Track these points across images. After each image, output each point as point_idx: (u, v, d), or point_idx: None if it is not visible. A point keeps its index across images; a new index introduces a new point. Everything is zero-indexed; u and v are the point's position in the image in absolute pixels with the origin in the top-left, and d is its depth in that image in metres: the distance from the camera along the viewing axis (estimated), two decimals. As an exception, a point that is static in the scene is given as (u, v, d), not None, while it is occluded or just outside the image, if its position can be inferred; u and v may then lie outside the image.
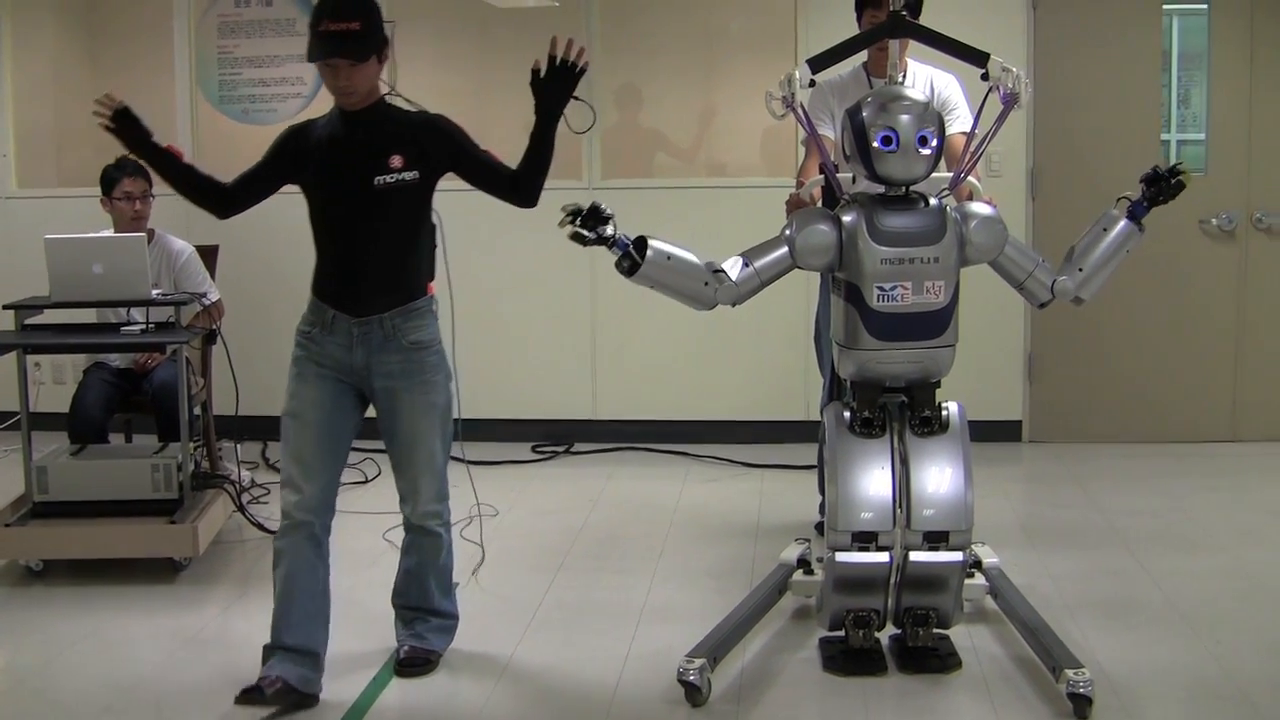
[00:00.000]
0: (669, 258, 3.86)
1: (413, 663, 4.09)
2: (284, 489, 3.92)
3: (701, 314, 4.19)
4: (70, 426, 5.51)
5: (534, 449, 7.06)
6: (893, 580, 3.91)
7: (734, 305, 3.98)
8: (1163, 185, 3.97)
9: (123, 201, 5.65)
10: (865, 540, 3.85)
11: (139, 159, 3.99)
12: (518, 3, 6.71)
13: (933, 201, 3.89)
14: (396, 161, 3.82)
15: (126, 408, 5.78)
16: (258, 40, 7.15)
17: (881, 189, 3.91)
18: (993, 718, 3.72)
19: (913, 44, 4.36)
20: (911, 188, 3.89)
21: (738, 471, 6.63)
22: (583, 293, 7.06)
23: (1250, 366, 6.93)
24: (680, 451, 6.97)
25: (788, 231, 3.93)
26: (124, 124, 3.84)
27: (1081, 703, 3.64)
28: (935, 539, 3.85)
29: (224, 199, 3.94)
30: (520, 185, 3.86)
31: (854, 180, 4.11)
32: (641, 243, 3.84)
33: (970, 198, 4.16)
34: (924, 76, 4.95)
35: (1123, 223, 4.00)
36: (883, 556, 3.86)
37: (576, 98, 3.79)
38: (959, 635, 4.15)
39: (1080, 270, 4.00)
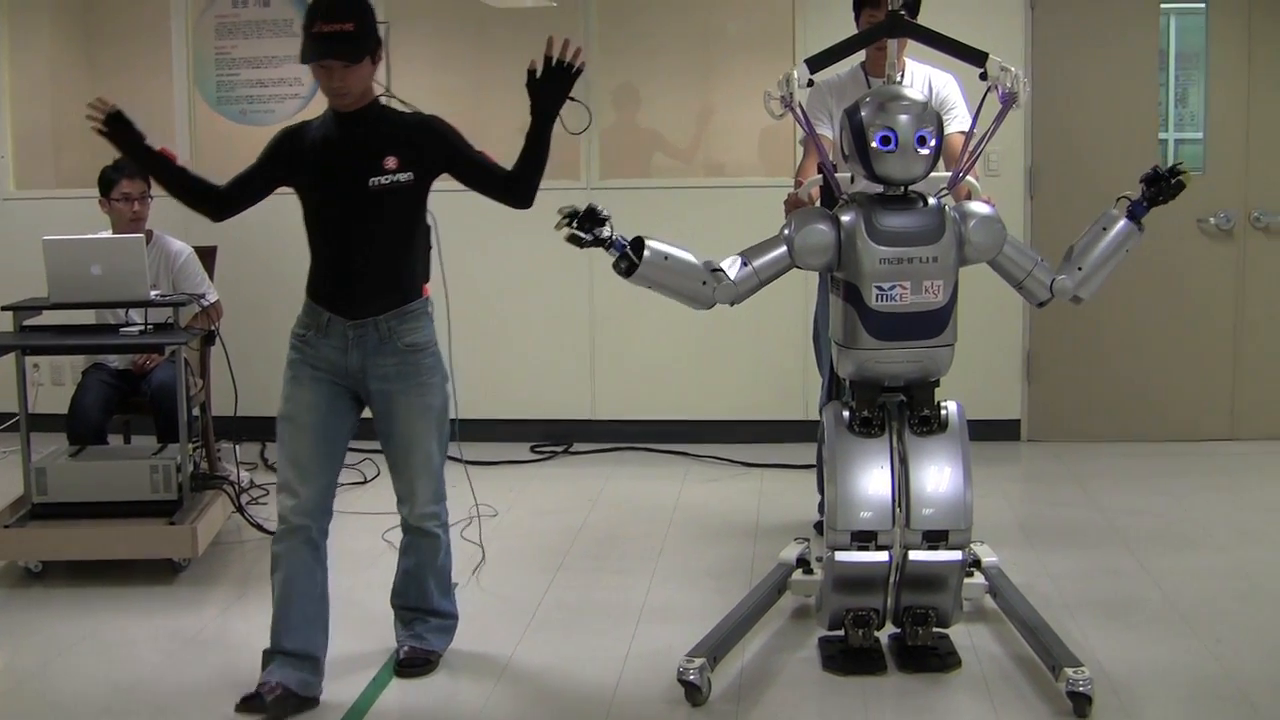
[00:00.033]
0: (666, 258, 3.86)
1: (412, 663, 4.09)
2: (280, 493, 3.90)
3: (700, 314, 4.19)
4: (69, 428, 5.51)
5: (533, 449, 7.06)
6: (892, 579, 3.91)
7: (732, 304, 3.98)
8: (1163, 185, 3.98)
9: (121, 203, 5.65)
10: (864, 539, 3.85)
11: (133, 162, 3.97)
12: (515, 3, 6.71)
13: (931, 201, 3.89)
14: (391, 163, 3.80)
15: (125, 409, 5.78)
16: (255, 41, 7.14)
17: (880, 189, 3.91)
18: (992, 717, 3.72)
19: (911, 43, 4.36)
20: (910, 187, 3.89)
21: (737, 471, 6.63)
22: (581, 293, 7.06)
23: (1249, 365, 6.93)
24: (679, 451, 6.97)
25: (786, 231, 3.93)
26: (117, 127, 3.82)
27: (1081, 701, 3.64)
28: (934, 538, 3.85)
29: (218, 202, 3.93)
30: (515, 186, 3.85)
31: (852, 180, 4.11)
32: (639, 243, 3.84)
33: (969, 197, 4.16)
34: (922, 76, 4.95)
35: (1122, 222, 4.00)
36: (882, 556, 3.86)
37: (573, 98, 3.78)
38: (958, 634, 4.15)
39: (1079, 269, 4.00)
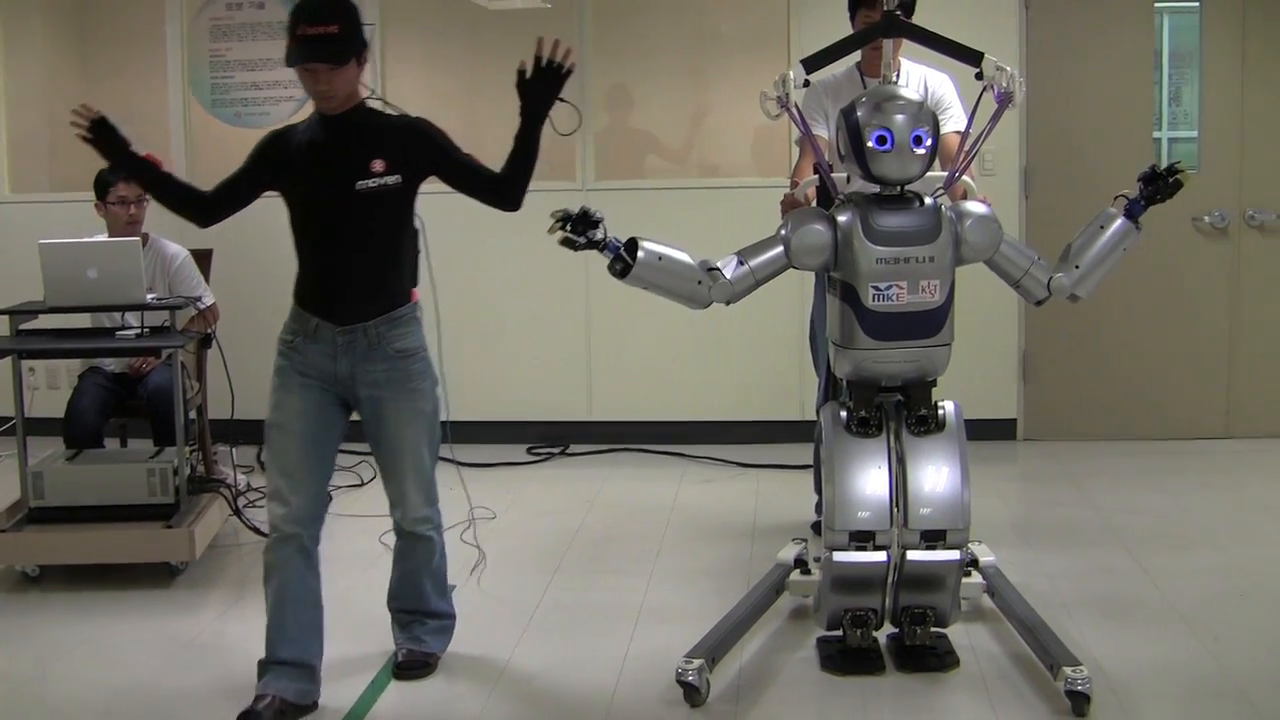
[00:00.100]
0: (660, 258, 3.86)
1: (411, 666, 4.09)
2: (271, 501, 3.88)
3: (696, 314, 4.20)
4: (65, 431, 5.50)
5: (529, 451, 7.06)
6: (890, 579, 3.91)
7: (728, 304, 3.98)
8: (1160, 184, 3.98)
9: (117, 206, 5.64)
10: (863, 540, 3.85)
11: (118, 169, 3.95)
12: (508, 4, 6.71)
13: (928, 201, 3.89)
14: (378, 166, 3.77)
15: (122, 412, 5.77)
16: (250, 44, 7.14)
17: (876, 189, 3.92)
18: (991, 716, 3.72)
19: (906, 43, 4.36)
20: (906, 187, 3.90)
21: (733, 472, 6.63)
22: (577, 294, 7.06)
23: (1244, 363, 6.94)
24: (676, 452, 6.97)
25: (783, 231, 3.93)
26: (102, 134, 3.80)
27: (1080, 700, 3.64)
28: (932, 538, 3.86)
29: (204, 207, 3.90)
30: (504, 188, 3.83)
31: (848, 180, 4.12)
32: (633, 244, 3.84)
33: (965, 197, 4.16)
34: (917, 76, 4.96)
35: (1120, 221, 4.01)
36: (880, 556, 3.86)
37: (562, 99, 3.76)
38: (956, 634, 4.15)
39: (1077, 267, 4.00)
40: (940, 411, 3.97)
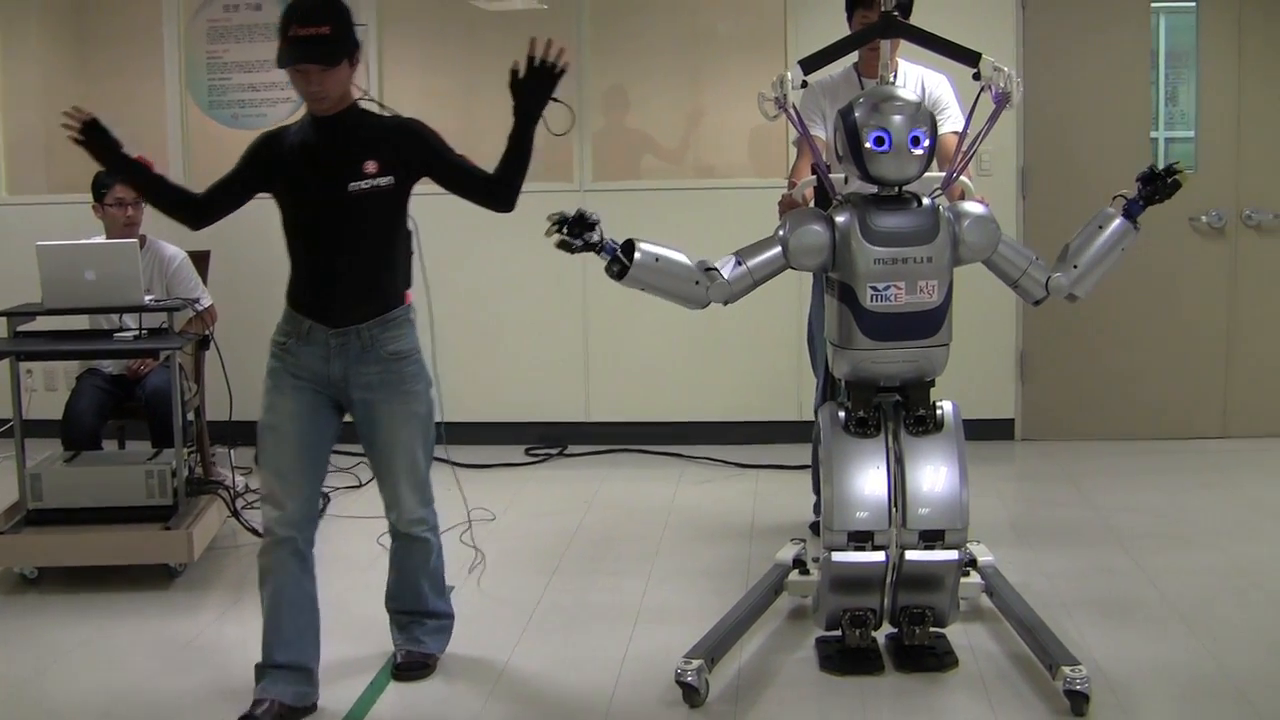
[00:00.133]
0: (657, 259, 3.87)
1: (410, 668, 4.09)
2: (264, 504, 3.86)
3: (693, 315, 4.20)
4: (63, 433, 5.49)
5: (527, 452, 7.06)
6: (889, 579, 3.91)
7: (726, 304, 3.99)
8: (1159, 184, 3.98)
9: (115, 208, 5.64)
10: (861, 540, 3.86)
11: (109, 170, 3.92)
12: (506, 5, 6.71)
13: (925, 201, 3.90)
14: (371, 167, 3.75)
15: (120, 414, 5.77)
16: (247, 45, 7.14)
17: (874, 189, 3.92)
18: (990, 716, 3.73)
19: (904, 44, 4.37)
20: (904, 188, 3.90)
21: (731, 472, 6.63)
22: (575, 295, 7.06)
23: (1241, 363, 6.95)
24: (674, 453, 6.97)
25: (781, 232, 3.94)
26: (93, 136, 3.78)
27: (1079, 700, 3.65)
28: (931, 538, 3.86)
29: (196, 209, 3.89)
30: (497, 189, 3.81)
31: (846, 181, 4.12)
32: (630, 246, 3.84)
33: (963, 197, 4.17)
34: (915, 76, 4.96)
35: (1118, 220, 4.01)
36: (879, 556, 3.87)
37: (555, 99, 3.73)
38: (955, 634, 4.16)
39: (1075, 267, 4.01)
40: (939, 411, 3.98)
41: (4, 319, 5.19)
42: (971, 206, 3.96)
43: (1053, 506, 5.89)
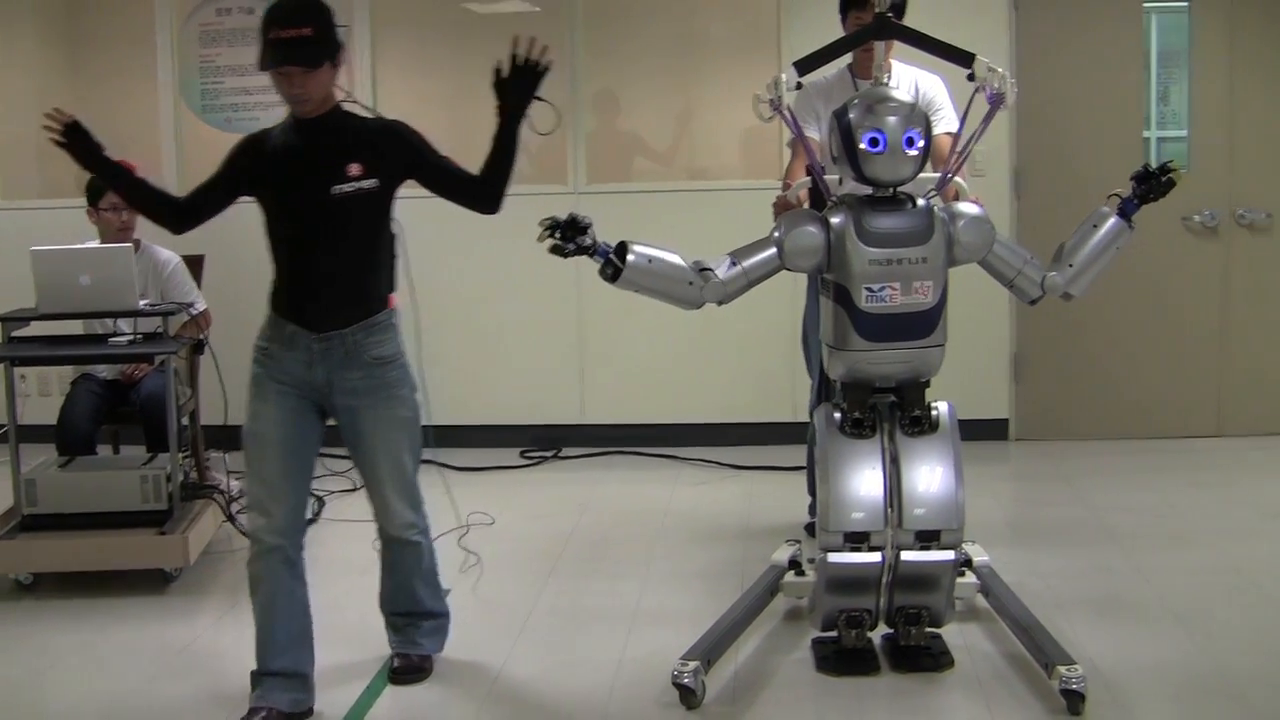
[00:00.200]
0: (651, 261, 3.87)
1: (406, 671, 4.09)
2: (251, 512, 3.84)
3: (687, 316, 4.21)
4: (58, 438, 5.49)
5: (522, 454, 7.05)
6: (885, 580, 3.91)
7: (720, 304, 3.99)
8: (1153, 183, 3.99)
9: (109, 212, 5.62)
10: (857, 540, 3.86)
11: (91, 174, 3.90)
12: (498, 8, 6.71)
13: (920, 202, 3.90)
14: (355, 169, 3.72)
15: (114, 419, 5.76)
16: (240, 49, 7.13)
17: (869, 190, 3.92)
18: (987, 715, 3.73)
19: (897, 45, 4.38)
20: (899, 189, 3.91)
21: (726, 474, 6.63)
22: (569, 296, 7.06)
23: (1234, 362, 6.96)
24: (669, 455, 6.97)
25: (776, 233, 3.94)
26: (75, 138, 3.75)
27: (1075, 699, 3.66)
28: (927, 538, 3.86)
29: (178, 213, 3.87)
30: (483, 191, 3.79)
31: (840, 182, 4.12)
32: (622, 248, 3.84)
33: (957, 198, 4.17)
34: (909, 77, 4.97)
35: (1113, 220, 4.02)
36: (874, 556, 3.87)
37: (540, 98, 3.72)
38: (951, 634, 4.16)
39: (1070, 266, 4.02)
40: (934, 412, 3.99)
41: (-1, 324, 5.18)
42: (966, 207, 3.97)
43: (1047, 506, 5.90)
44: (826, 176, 4.16)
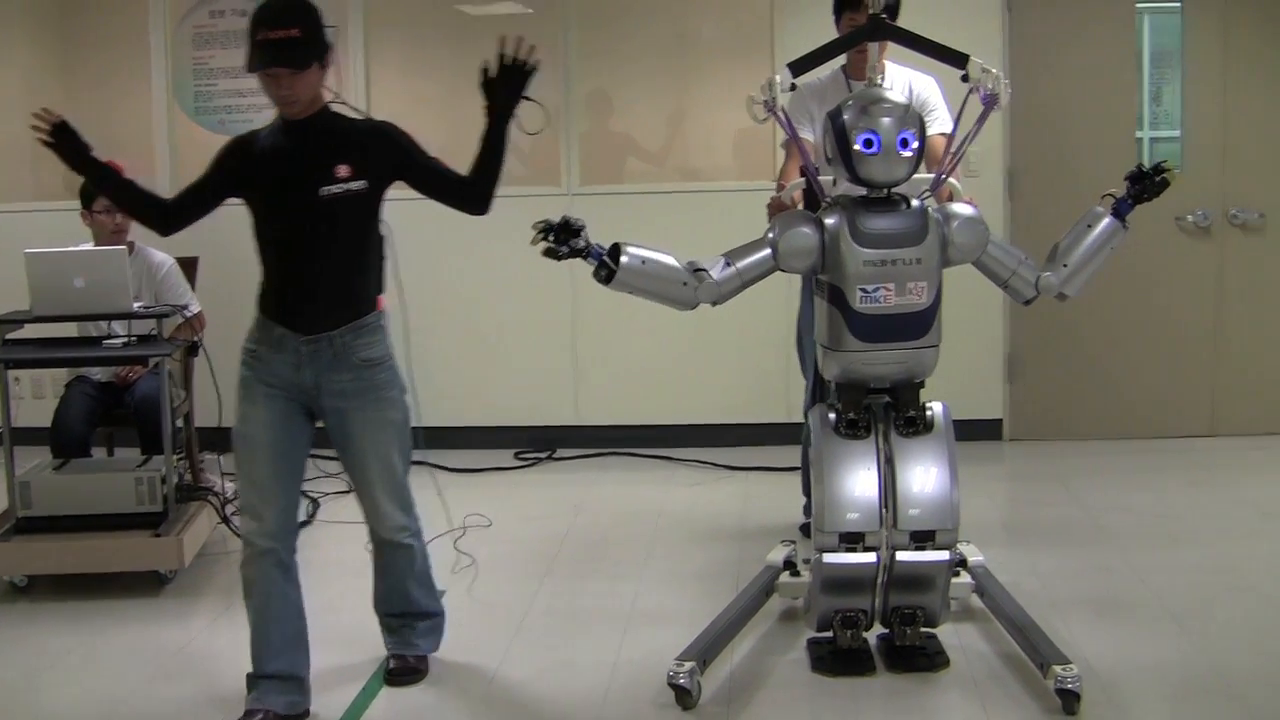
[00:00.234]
0: (644, 262, 3.86)
1: (402, 673, 4.09)
2: (242, 516, 3.83)
3: (683, 317, 4.21)
4: (52, 441, 5.48)
5: (517, 455, 7.05)
6: (880, 580, 3.92)
7: (715, 304, 3.99)
8: (1147, 183, 4.00)
9: (103, 215, 5.62)
10: (852, 541, 3.87)
11: (78, 174, 3.87)
12: (492, 10, 6.71)
13: (914, 203, 3.91)
14: (343, 171, 3.70)
15: (108, 421, 5.75)
16: (233, 51, 7.11)
17: (863, 191, 3.93)
18: (983, 715, 3.73)
19: (891, 46, 4.38)
20: (893, 189, 3.91)
21: (721, 474, 6.64)
22: (564, 298, 7.06)
23: (1227, 361, 6.97)
24: (663, 456, 6.97)
25: (770, 234, 3.94)
26: (63, 138, 3.74)
27: (1070, 699, 3.66)
28: (922, 538, 3.87)
29: (165, 214, 3.86)
30: (472, 192, 3.78)
31: (835, 183, 4.13)
32: (616, 250, 3.84)
33: (951, 198, 4.18)
34: (902, 78, 4.97)
35: (1107, 219, 4.03)
36: (870, 557, 3.87)
37: (527, 98, 3.70)
38: (946, 634, 4.17)
39: (1065, 266, 4.02)
40: (928, 413, 3.99)
41: (-8, 326, 5.17)
42: (960, 208, 3.97)
43: (1042, 506, 5.91)
44: (821, 177, 4.16)
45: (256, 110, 7.06)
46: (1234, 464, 6.51)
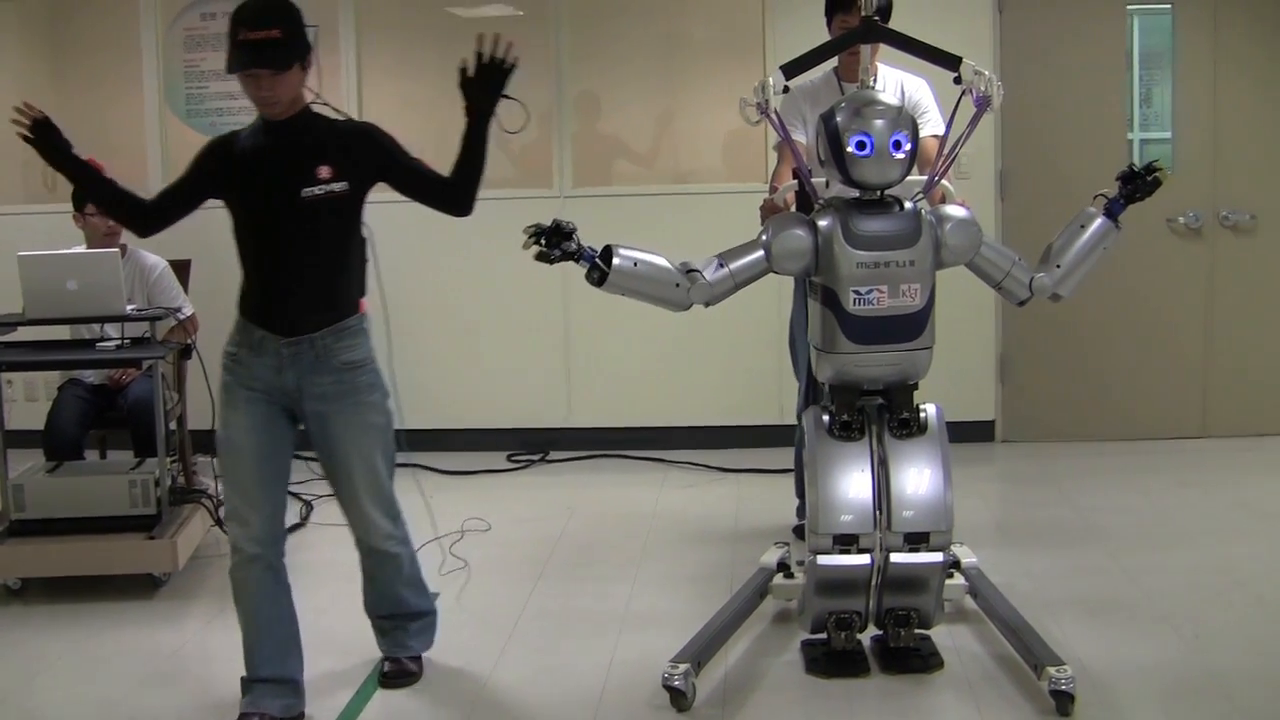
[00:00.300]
0: (636, 264, 3.86)
1: (396, 675, 4.09)
2: (229, 521, 3.81)
3: (675, 319, 4.21)
4: (45, 443, 5.48)
5: (509, 458, 7.05)
6: (874, 582, 3.92)
7: (708, 305, 3.98)
8: (1139, 182, 4.01)
9: (95, 217, 5.60)
10: (846, 543, 3.87)
11: (58, 172, 3.85)
12: (483, 13, 6.71)
13: (907, 205, 3.91)
14: (324, 172, 3.67)
15: (102, 424, 5.75)
16: (224, 54, 7.10)
17: (856, 193, 3.93)
18: (977, 716, 3.74)
19: (884, 48, 4.38)
20: (886, 191, 3.92)
21: (714, 476, 6.64)
22: (556, 300, 7.06)
23: (1219, 362, 6.99)
24: (656, 458, 6.96)
25: (763, 236, 3.95)
26: (43, 134, 3.73)
27: (1064, 699, 3.67)
28: (915, 540, 3.87)
29: (145, 215, 3.84)
30: (454, 193, 3.76)
31: (828, 185, 4.13)
32: (608, 252, 3.84)
33: (944, 200, 4.19)
34: (894, 80, 4.98)
35: (1100, 220, 4.04)
36: (864, 559, 3.88)
37: (507, 96, 3.68)
38: (940, 635, 4.17)
39: (1058, 267, 4.03)
40: (922, 414, 3.99)
41: (-15, 330, 5.17)
42: (953, 210, 3.98)
43: (1035, 507, 5.92)
44: (813, 179, 4.17)
45: (248, 112, 6.88)
46: (1225, 464, 6.53)
